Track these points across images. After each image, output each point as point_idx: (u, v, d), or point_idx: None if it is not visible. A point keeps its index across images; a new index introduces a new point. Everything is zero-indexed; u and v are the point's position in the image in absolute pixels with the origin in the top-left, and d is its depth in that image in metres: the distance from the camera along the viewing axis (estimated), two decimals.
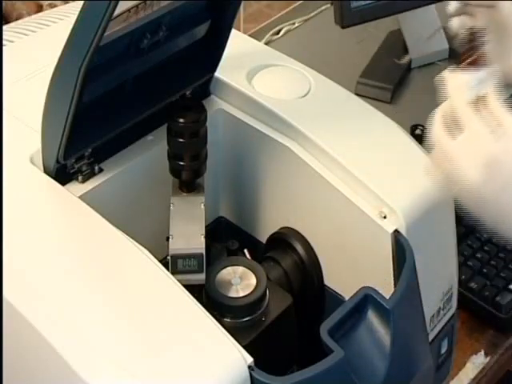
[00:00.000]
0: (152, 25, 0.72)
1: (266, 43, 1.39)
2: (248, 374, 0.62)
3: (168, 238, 0.76)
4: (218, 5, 0.79)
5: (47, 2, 1.39)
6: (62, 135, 0.70)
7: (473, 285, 1.03)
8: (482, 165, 0.63)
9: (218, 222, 0.92)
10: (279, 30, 1.46)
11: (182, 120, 0.76)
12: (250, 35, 1.20)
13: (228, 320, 0.75)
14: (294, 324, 0.80)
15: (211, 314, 0.65)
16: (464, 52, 0.88)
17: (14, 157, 0.75)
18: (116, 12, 0.63)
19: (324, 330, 0.68)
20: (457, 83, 0.66)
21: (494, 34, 0.80)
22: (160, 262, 0.69)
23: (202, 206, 0.79)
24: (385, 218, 0.77)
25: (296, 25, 1.47)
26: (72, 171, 0.76)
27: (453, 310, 0.87)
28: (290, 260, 0.84)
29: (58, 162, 0.73)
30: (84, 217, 0.71)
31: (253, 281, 0.77)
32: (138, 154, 0.80)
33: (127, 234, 0.70)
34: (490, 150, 0.63)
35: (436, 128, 0.66)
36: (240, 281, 0.77)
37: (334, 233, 0.81)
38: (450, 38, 1.31)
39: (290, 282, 0.83)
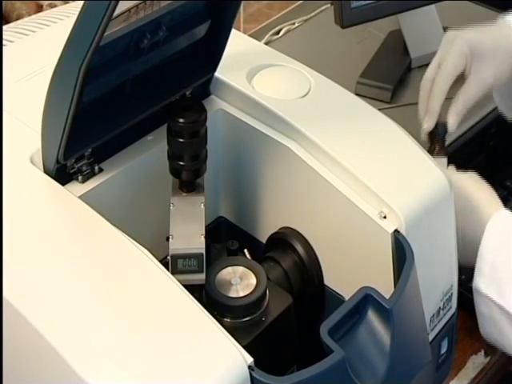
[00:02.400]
0: (152, 25, 0.72)
1: (266, 43, 1.39)
2: (248, 374, 0.62)
3: (168, 238, 0.76)
4: (218, 5, 0.79)
5: (47, 2, 1.39)
6: (62, 135, 0.70)
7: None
8: None
9: (217, 222, 0.92)
10: (279, 30, 1.45)
11: (181, 120, 0.76)
12: (250, 35, 1.20)
13: (228, 320, 0.75)
14: (294, 324, 0.80)
15: (211, 314, 0.65)
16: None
17: (14, 157, 0.75)
18: (116, 12, 0.63)
19: (324, 330, 0.68)
20: None
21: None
22: (160, 262, 0.69)
23: (202, 206, 0.79)
24: (385, 218, 0.77)
25: (296, 25, 1.46)
26: (72, 171, 0.76)
27: (453, 310, 0.87)
28: (290, 260, 0.84)
29: (58, 161, 0.73)
30: (84, 217, 0.71)
31: (253, 281, 0.77)
32: (138, 154, 0.80)
33: (127, 234, 0.70)
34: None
35: None
36: (240, 281, 0.77)
37: (334, 233, 0.81)
38: None
39: (290, 282, 0.83)
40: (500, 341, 0.90)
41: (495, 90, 1.07)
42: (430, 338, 0.84)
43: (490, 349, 1.04)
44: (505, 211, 0.92)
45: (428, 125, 1.00)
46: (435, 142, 1.01)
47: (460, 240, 0.86)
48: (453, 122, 0.99)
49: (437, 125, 1.01)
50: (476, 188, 0.95)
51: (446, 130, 1.01)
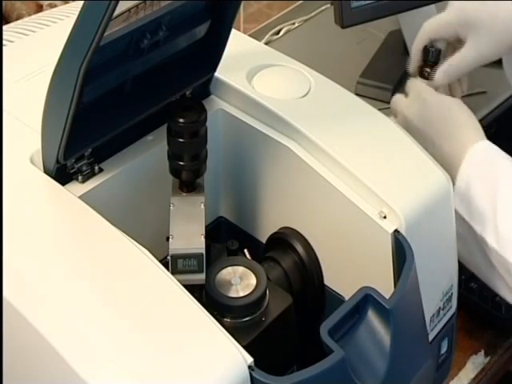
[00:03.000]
0: (152, 25, 0.72)
1: (266, 43, 1.39)
2: (248, 374, 0.62)
3: (168, 238, 0.76)
4: (218, 5, 0.79)
5: (47, 2, 1.39)
6: (62, 135, 0.70)
7: (473, 285, 1.03)
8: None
9: (218, 222, 0.92)
10: (279, 30, 1.45)
11: (181, 120, 0.76)
12: (250, 35, 1.20)
13: (228, 320, 0.75)
14: (294, 324, 0.80)
15: (211, 314, 0.65)
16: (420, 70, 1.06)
17: (14, 157, 0.75)
18: (116, 12, 0.63)
19: (324, 330, 0.68)
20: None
21: None
22: (160, 262, 0.69)
23: (202, 206, 0.79)
24: (385, 218, 0.77)
25: (296, 25, 1.46)
26: (72, 171, 0.76)
27: (453, 310, 0.87)
28: (290, 260, 0.84)
29: (58, 161, 0.73)
30: (84, 217, 0.71)
31: (253, 281, 0.77)
32: (138, 154, 0.80)
33: (127, 234, 0.70)
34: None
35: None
36: (240, 281, 0.77)
37: (334, 233, 0.81)
38: None
39: (290, 282, 0.83)
40: (468, 259, 0.91)
41: (505, 60, 1.08)
42: (430, 338, 0.84)
43: (490, 349, 1.04)
44: (487, 141, 0.92)
45: (409, 67, 1.05)
46: (427, 65, 1.04)
47: (438, 158, 0.86)
48: (438, 78, 1.01)
49: (429, 48, 1.03)
50: (462, 113, 0.95)
51: (438, 54, 1.03)
